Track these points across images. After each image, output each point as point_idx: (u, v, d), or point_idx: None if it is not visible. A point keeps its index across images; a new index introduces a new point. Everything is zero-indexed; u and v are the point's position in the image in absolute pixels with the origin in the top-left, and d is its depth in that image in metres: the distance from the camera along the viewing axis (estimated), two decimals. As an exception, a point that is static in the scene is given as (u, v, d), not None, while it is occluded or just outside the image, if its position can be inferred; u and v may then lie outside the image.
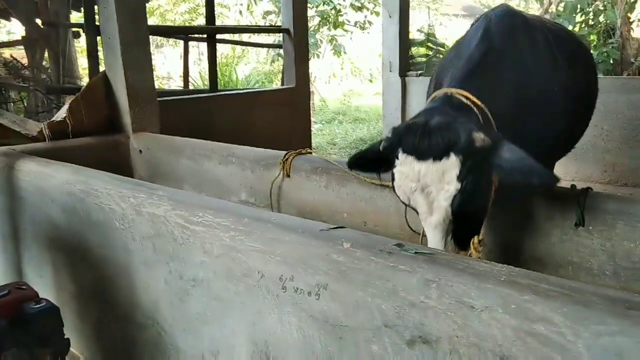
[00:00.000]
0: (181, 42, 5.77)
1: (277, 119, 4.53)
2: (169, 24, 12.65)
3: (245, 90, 5.54)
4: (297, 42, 4.67)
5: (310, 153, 2.61)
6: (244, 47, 12.84)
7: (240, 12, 14.11)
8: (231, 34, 9.49)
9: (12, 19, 7.56)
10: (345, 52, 13.05)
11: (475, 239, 1.38)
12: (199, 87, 8.47)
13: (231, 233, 1.40)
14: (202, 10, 14.31)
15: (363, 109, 12.24)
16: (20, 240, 2.55)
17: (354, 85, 14.83)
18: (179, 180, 2.87)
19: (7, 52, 6.31)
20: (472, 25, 2.05)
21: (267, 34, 9.31)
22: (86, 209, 1.91)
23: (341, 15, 12.46)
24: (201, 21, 14.29)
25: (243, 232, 1.38)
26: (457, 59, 1.78)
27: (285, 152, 2.43)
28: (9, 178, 2.46)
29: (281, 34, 4.83)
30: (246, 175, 2.61)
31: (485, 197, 1.40)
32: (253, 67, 14.31)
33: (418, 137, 1.27)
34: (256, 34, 9.84)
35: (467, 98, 1.44)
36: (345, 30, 12.54)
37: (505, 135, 1.36)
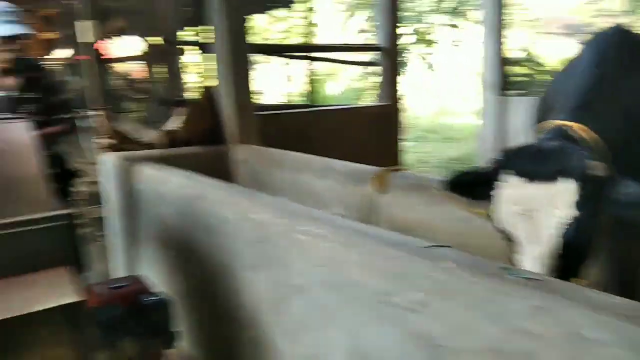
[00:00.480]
0: (274, 59, 6.06)
1: (370, 135, 4.59)
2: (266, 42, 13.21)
3: (340, 106, 5.65)
4: (392, 60, 4.72)
5: (406, 170, 2.62)
6: (335, 65, 13.13)
7: (334, 30, 14.46)
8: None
9: (132, 36, 8.33)
10: (437, 70, 12.89)
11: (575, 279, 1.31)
12: (295, 103, 8.76)
13: (332, 244, 1.45)
14: (299, 29, 14.87)
15: (455, 127, 11.95)
16: (138, 238, 2.80)
17: (446, 103, 14.57)
18: (277, 191, 2.99)
19: (127, 67, 6.97)
20: (583, 46, 1.97)
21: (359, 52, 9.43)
22: (197, 213, 2.06)
23: (434, 33, 12.34)
24: (297, 40, 14.83)
25: (344, 244, 1.42)
26: (568, 85, 1.72)
27: (380, 168, 2.46)
28: (129, 180, 2.71)
29: (373, 51, 4.90)
30: (341, 190, 2.67)
31: (596, 230, 1.33)
32: (344, 84, 14.55)
33: (532, 159, 1.24)
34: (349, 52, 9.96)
35: (581, 130, 1.39)
36: (438, 48, 12.40)
37: (619, 167, 1.30)
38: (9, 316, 1.25)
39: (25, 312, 1.27)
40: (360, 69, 11.49)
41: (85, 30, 2.83)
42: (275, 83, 12.28)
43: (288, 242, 1.57)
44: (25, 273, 1.32)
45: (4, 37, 2.64)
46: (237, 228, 1.81)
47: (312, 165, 2.81)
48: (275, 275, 1.68)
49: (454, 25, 12.29)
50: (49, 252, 1.32)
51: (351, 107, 5.24)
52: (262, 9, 5.80)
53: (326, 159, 2.81)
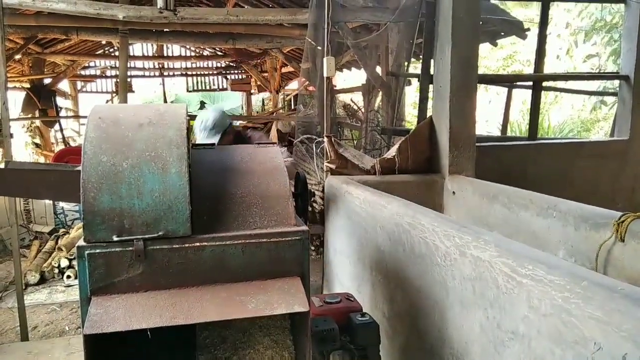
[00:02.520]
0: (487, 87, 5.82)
1: (601, 174, 4.06)
2: (484, 70, 12.84)
3: (566, 140, 5.15)
4: (637, 90, 4.12)
5: (653, 218, 2.24)
6: (556, 94, 12.05)
7: (558, 56, 13.30)
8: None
9: (354, 69, 8.95)
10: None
11: None
12: (512, 134, 8.32)
13: (565, 294, 1.31)
14: (519, 56, 14.08)
15: None
16: (346, 256, 2.96)
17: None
18: (489, 226, 2.86)
19: (347, 97, 7.53)
20: None
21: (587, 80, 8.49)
22: (410, 241, 2.09)
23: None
24: (516, 67, 14.07)
25: (580, 295, 1.27)
26: None
27: (621, 213, 2.15)
28: (347, 202, 2.90)
29: (611, 80, 4.34)
30: (568, 232, 2.42)
31: None
32: (567, 114, 13.25)
33: None
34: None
35: None
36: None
37: None
38: (244, 316, 1.41)
39: (257, 315, 1.41)
40: (592, 98, 10.32)
41: (329, 65, 3.15)
42: (490, 112, 11.84)
43: (510, 284, 1.47)
44: (264, 279, 1.49)
45: None
46: (452, 262, 1.78)
47: (534, 203, 2.61)
48: (491, 317, 1.59)
49: None
50: (286, 263, 1.47)
51: (579, 141, 4.71)
52: (492, 39, 5.66)
53: (551, 197, 2.58)
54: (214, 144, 1.91)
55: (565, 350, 1.29)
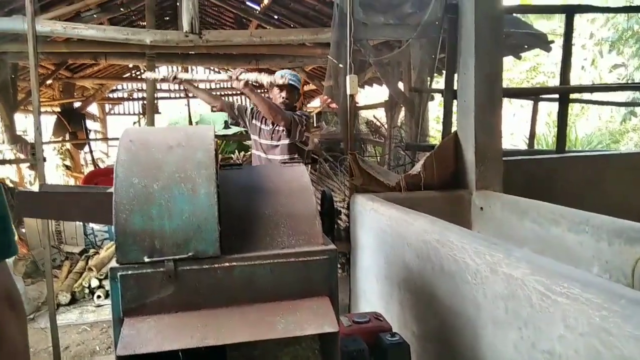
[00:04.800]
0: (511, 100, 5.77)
1: (634, 186, 3.95)
2: (507, 83, 12.74)
3: (596, 152, 5.05)
4: (669, 99, 4.03)
5: (692, 232, 2.16)
6: (583, 105, 11.87)
7: (583, 67, 13.12)
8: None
9: (376, 85, 8.97)
10: None
11: None
12: (539, 147, 8.19)
13: (603, 312, 1.27)
14: (542, 68, 13.92)
15: None
16: (372, 274, 2.94)
17: None
18: (519, 242, 2.80)
19: (369, 113, 7.55)
20: None
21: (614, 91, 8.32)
22: (439, 258, 2.06)
23: None
24: (541, 79, 13.90)
25: (619, 314, 1.23)
26: None
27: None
28: (372, 219, 2.89)
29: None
30: (601, 247, 2.35)
31: None
32: (594, 125, 13.02)
33: None
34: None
35: None
36: None
37: None
38: (274, 337, 1.40)
39: (287, 335, 1.41)
40: (622, 109, 10.12)
41: (352, 83, 3.18)
42: (515, 125, 11.69)
43: (545, 302, 1.44)
44: (293, 299, 1.48)
45: (281, 86, 3.45)
46: (484, 280, 1.74)
47: (565, 218, 2.56)
48: (525, 336, 1.55)
49: None
50: (315, 282, 1.47)
51: (609, 153, 4.61)
52: (516, 52, 5.62)
53: (583, 212, 2.52)
54: (240, 164, 1.94)
55: (605, 371, 1.25)
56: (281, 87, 3.44)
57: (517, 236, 2.85)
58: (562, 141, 4.08)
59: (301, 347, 1.81)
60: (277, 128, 3.58)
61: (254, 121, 3.72)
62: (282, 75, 3.42)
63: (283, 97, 3.50)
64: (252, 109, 3.74)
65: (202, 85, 13.73)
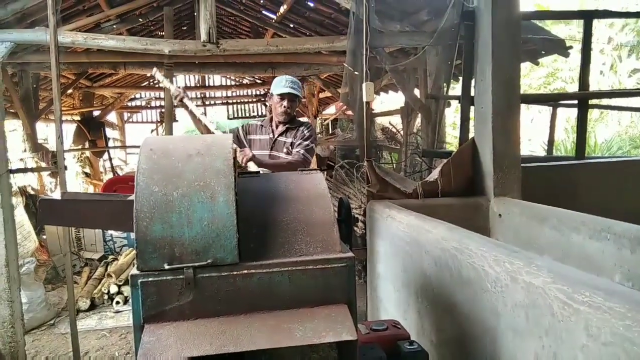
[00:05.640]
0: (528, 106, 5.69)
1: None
2: (525, 89, 12.63)
3: (616, 159, 4.97)
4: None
5: None
6: (602, 110, 11.70)
7: (602, 72, 12.95)
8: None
9: (391, 92, 8.96)
10: None
11: None
12: (558, 153, 8.09)
13: (627, 322, 1.25)
14: (560, 73, 13.76)
15: None
16: (390, 281, 2.92)
17: None
18: (539, 250, 2.76)
19: (385, 120, 7.54)
20: None
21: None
22: (458, 266, 2.04)
23: None
24: (559, 85, 13.74)
25: (644, 323, 1.21)
26: None
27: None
28: (389, 226, 2.88)
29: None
30: (623, 255, 2.31)
31: None
32: (614, 131, 12.81)
33: None
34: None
35: None
36: None
37: None
38: (293, 345, 1.40)
39: (306, 343, 1.40)
40: (634, 114, 9.95)
41: (368, 90, 3.18)
42: (533, 131, 11.57)
43: (567, 311, 1.42)
44: (311, 306, 1.48)
45: (282, 95, 3.20)
46: (503, 288, 1.72)
47: (585, 225, 2.52)
48: (546, 346, 1.52)
49: None
50: (332, 290, 1.46)
51: (630, 159, 4.53)
52: (533, 58, 5.57)
53: (605, 219, 2.48)
54: (259, 172, 1.95)
55: (630, 382, 1.22)
56: (282, 96, 3.21)
57: (536, 244, 2.81)
58: (582, 147, 4.03)
59: (319, 355, 1.81)
60: (281, 139, 3.31)
61: (249, 136, 3.43)
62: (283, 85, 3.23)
63: (284, 107, 3.23)
64: (242, 126, 3.52)
65: (218, 94, 13.84)
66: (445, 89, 3.84)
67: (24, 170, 5.05)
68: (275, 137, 3.30)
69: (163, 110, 9.81)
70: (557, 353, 1.48)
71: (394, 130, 6.61)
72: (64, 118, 9.60)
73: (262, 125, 3.42)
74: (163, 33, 6.46)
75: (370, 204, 3.24)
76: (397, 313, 2.73)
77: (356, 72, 3.58)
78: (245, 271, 1.43)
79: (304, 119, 3.78)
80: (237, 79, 12.75)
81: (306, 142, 3.22)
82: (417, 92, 5.25)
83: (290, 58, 6.48)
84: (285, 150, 3.26)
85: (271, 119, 3.37)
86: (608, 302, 1.32)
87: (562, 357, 1.46)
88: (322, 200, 1.57)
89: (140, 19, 6.80)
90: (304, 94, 11.72)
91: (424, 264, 2.39)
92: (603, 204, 3.46)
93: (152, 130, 14.04)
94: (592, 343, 1.34)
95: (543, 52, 5.43)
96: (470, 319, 1.96)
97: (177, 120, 13.16)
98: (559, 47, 5.17)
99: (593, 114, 11.97)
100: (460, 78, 3.67)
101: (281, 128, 3.29)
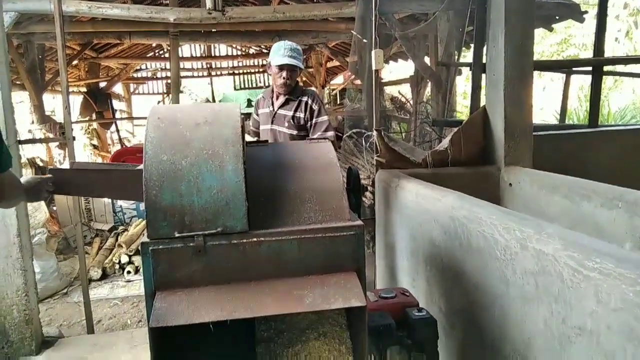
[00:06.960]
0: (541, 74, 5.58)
1: (669, 162, 3.82)
2: (537, 57, 12.38)
3: (630, 127, 4.89)
4: None
5: None
6: (616, 78, 11.47)
7: (617, 39, 12.64)
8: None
9: (401, 60, 8.82)
10: None
11: None
12: (571, 121, 7.98)
13: (637, 287, 1.24)
14: (574, 40, 13.46)
15: None
16: (398, 251, 2.93)
17: None
18: (549, 219, 2.75)
19: (394, 89, 7.44)
20: None
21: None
22: (467, 235, 2.04)
23: None
24: (572, 52, 13.46)
25: (655, 290, 1.20)
26: None
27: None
28: (398, 196, 2.87)
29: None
30: (635, 223, 2.29)
31: None
32: (628, 99, 12.58)
33: None
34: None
35: None
36: None
37: None
38: (302, 311, 1.41)
39: (315, 309, 1.42)
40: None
41: (377, 58, 3.12)
42: (545, 99, 11.39)
43: (577, 278, 1.41)
44: (320, 274, 1.49)
45: (281, 66, 3.01)
46: (513, 255, 1.72)
47: (597, 194, 2.49)
48: (555, 312, 1.53)
49: None
50: (342, 258, 1.47)
51: (644, 128, 4.45)
52: (547, 24, 5.43)
53: (616, 187, 2.46)
54: (267, 140, 1.94)
55: (638, 346, 1.22)
56: (281, 67, 3.01)
57: (547, 212, 2.80)
58: (595, 115, 3.96)
59: (328, 321, 1.83)
60: (292, 114, 3.16)
61: (259, 111, 3.32)
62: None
63: (284, 78, 3.04)
64: (255, 105, 3.37)
65: (224, 64, 13.70)
66: (456, 56, 3.77)
67: (33, 141, 5.08)
68: (275, 110, 3.18)
69: (169, 81, 9.75)
70: (566, 319, 1.48)
71: (403, 99, 6.53)
72: (70, 89, 9.59)
73: (264, 97, 3.32)
74: (168, 2, 6.35)
75: (379, 174, 3.23)
76: (406, 281, 2.75)
77: (365, 40, 3.51)
78: (255, 239, 1.43)
79: (310, 89, 3.61)
80: (243, 49, 12.60)
81: (324, 128, 3.07)
82: (427, 59, 5.17)
83: (297, 26, 6.37)
84: (286, 124, 3.13)
85: (273, 89, 3.24)
86: (619, 268, 1.31)
87: (571, 323, 1.46)
88: (331, 169, 1.56)
89: (145, -13, 6.70)
90: (310, 62, 11.61)
91: (433, 232, 2.39)
92: (615, 172, 3.43)
93: (159, 102, 14.01)
94: (602, 309, 1.34)
95: (557, 18, 5.29)
96: (479, 287, 1.97)
97: (182, 91, 13.12)
98: (574, 11, 5.03)
99: (607, 82, 11.74)
100: (472, 45, 3.59)
101: (281, 99, 3.16)
